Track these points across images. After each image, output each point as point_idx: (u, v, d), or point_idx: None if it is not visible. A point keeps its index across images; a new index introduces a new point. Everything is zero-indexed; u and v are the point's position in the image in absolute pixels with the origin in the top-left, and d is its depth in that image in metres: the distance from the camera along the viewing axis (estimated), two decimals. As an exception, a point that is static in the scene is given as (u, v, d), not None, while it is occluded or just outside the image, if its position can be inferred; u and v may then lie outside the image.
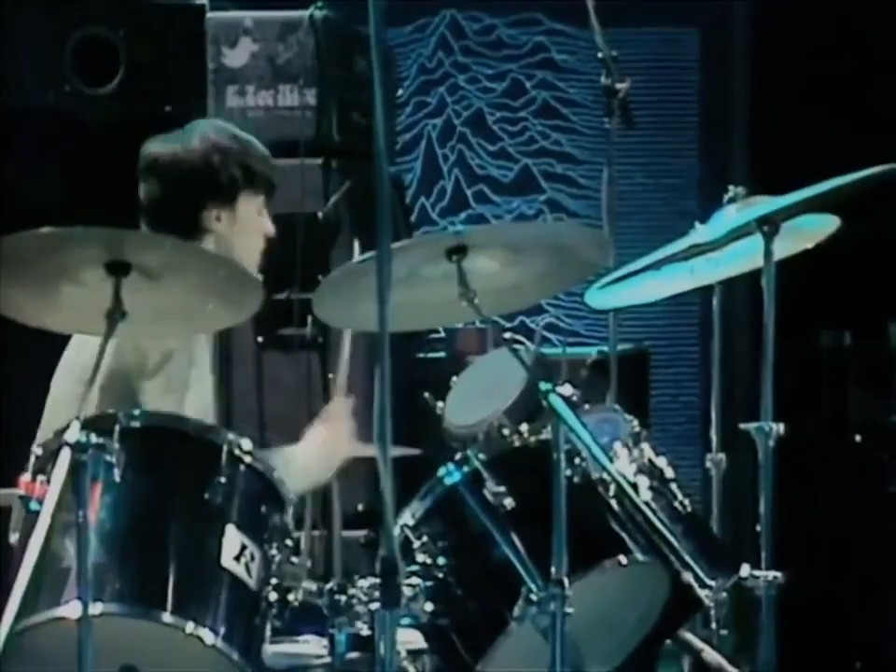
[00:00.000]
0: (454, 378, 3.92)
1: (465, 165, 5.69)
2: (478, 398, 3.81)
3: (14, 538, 2.47)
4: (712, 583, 2.59)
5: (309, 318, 4.02)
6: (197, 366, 2.82)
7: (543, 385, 2.45)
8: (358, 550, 4.01)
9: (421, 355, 4.43)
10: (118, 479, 2.34)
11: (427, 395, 3.87)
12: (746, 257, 3.01)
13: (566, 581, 2.43)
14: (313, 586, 2.57)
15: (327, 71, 4.19)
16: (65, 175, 3.87)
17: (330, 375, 3.20)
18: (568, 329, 5.51)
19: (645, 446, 2.93)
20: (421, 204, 5.61)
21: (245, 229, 2.94)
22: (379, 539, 2.12)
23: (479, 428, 3.77)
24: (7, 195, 3.68)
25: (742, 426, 2.87)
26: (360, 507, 4.10)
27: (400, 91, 5.40)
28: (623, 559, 2.59)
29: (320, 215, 4.15)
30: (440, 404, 3.88)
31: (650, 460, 2.93)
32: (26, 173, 3.83)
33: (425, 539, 2.62)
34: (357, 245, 3.51)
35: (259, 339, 4.20)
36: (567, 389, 2.48)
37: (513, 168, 5.72)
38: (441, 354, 4.45)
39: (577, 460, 2.64)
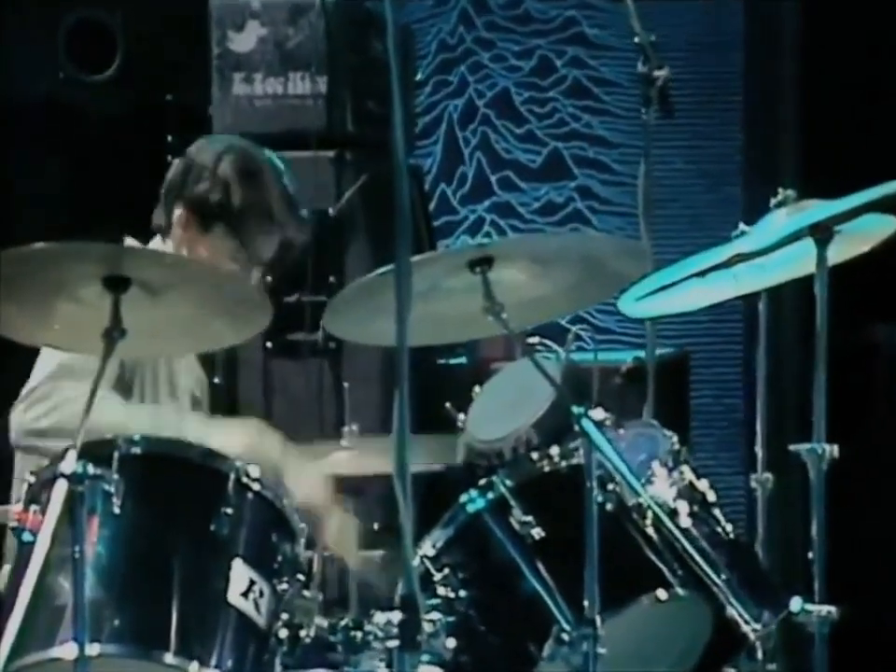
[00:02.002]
0: (477, 388, 3.93)
1: (489, 149, 5.68)
2: (504, 410, 3.81)
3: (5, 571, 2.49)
4: (759, 620, 2.58)
5: (321, 323, 4.03)
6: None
7: (575, 409, 2.45)
8: (374, 571, 4.03)
9: (441, 361, 4.43)
10: (116, 510, 2.36)
11: (447, 405, 3.88)
12: (795, 262, 2.99)
13: (598, 619, 2.44)
14: (325, 622, 2.59)
15: (340, 56, 4.19)
16: (61, 170, 3.89)
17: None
18: (601, 325, 5.50)
19: (685, 468, 2.92)
20: (441, 191, 5.61)
21: (213, 258, 2.89)
22: (396, 559, 2.13)
23: (505, 444, 3.77)
24: (0, 195, 3.70)
25: (792, 447, 2.86)
26: (376, 525, 4.12)
27: (419, 72, 5.39)
28: (661, 594, 2.60)
29: (333, 211, 4.16)
30: (461, 416, 3.89)
31: (690, 483, 2.91)
32: (18, 169, 3.85)
33: (446, 570, 2.64)
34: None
35: (268, 344, 4.21)
36: (599, 413, 2.48)
37: (542, 152, 5.70)
38: (463, 360, 4.45)
39: (610, 486, 2.64)
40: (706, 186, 5.62)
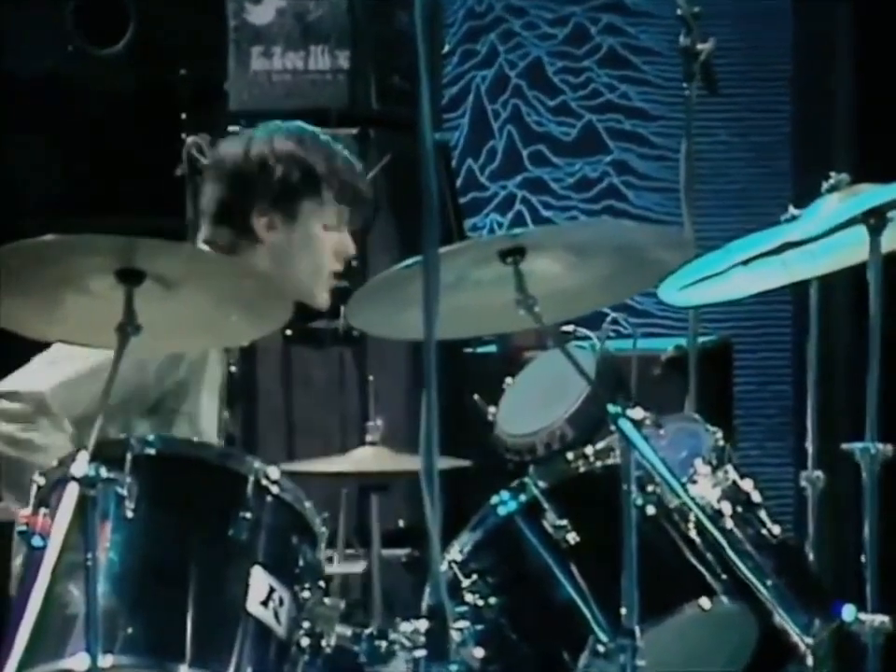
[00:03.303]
0: (508, 379, 3.93)
1: (520, 122, 5.67)
2: (536, 402, 3.81)
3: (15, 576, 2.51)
4: (809, 629, 2.58)
5: (342, 309, 4.04)
6: None
7: (612, 409, 2.45)
8: (400, 571, 4.04)
9: (469, 350, 4.42)
10: (130, 514, 2.38)
11: (476, 398, 3.89)
12: (847, 248, 2.98)
13: (637, 629, 2.44)
14: (348, 631, 2.60)
15: (363, 28, 4.19)
16: (67, 150, 3.89)
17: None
18: (639, 308, 5.49)
19: (729, 468, 2.91)
20: (468, 167, 5.61)
21: (308, 243, 2.92)
22: (422, 558, 2.14)
23: (537, 438, 3.78)
24: (3, 176, 3.71)
25: (844, 446, 2.86)
26: (401, 523, 4.13)
27: (446, 41, 5.37)
28: (705, 603, 2.60)
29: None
30: (491, 409, 3.89)
31: (735, 483, 2.91)
32: (23, 148, 3.86)
33: (475, 577, 2.64)
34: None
35: (287, 332, 4.23)
36: (638, 412, 2.48)
37: (576, 125, 5.69)
38: (493, 349, 4.44)
39: (650, 487, 2.64)
40: (752, 159, 5.60)
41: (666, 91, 5.57)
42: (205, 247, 2.91)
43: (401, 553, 4.08)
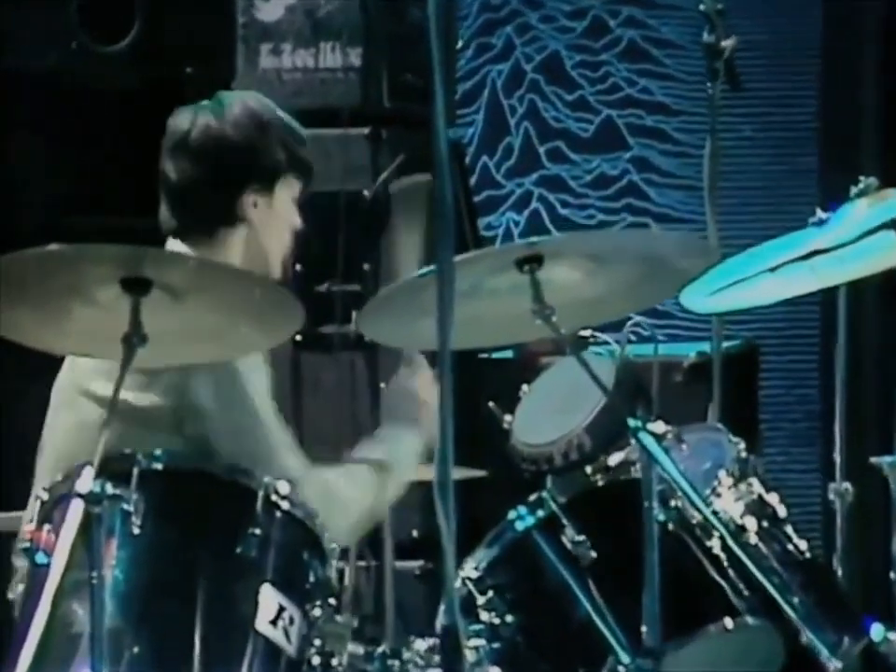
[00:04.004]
0: (524, 386, 3.93)
1: (536, 118, 5.67)
2: (554, 410, 3.81)
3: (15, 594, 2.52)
4: (838, 648, 2.58)
5: (353, 314, 4.05)
6: None
7: (632, 422, 2.46)
8: (413, 583, 4.05)
9: (483, 355, 4.43)
10: (136, 530, 2.39)
11: (491, 405, 3.89)
12: (876, 253, 2.98)
13: (659, 650, 2.45)
14: (360, 649, 2.61)
15: (375, 25, 4.19)
16: (71, 149, 3.90)
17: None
18: (660, 309, 5.48)
19: (754, 481, 2.91)
20: (483, 164, 5.61)
21: (279, 219, 2.93)
22: (436, 570, 2.14)
23: (554, 448, 3.78)
24: (4, 176, 3.72)
25: (873, 460, 2.85)
26: (415, 533, 4.14)
27: (460, 35, 5.38)
28: (729, 623, 2.60)
29: (367, 194, 4.16)
30: (507, 417, 3.89)
31: (760, 496, 2.91)
32: (24, 147, 3.86)
33: (490, 594, 2.65)
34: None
35: (297, 337, 4.23)
36: (659, 426, 2.48)
37: (594, 121, 5.69)
38: (508, 354, 4.45)
39: (672, 502, 2.64)
40: (777, 156, 5.59)
41: (689, 85, 5.56)
42: (180, 243, 2.87)
43: (415, 564, 4.09)
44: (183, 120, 2.92)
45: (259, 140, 2.89)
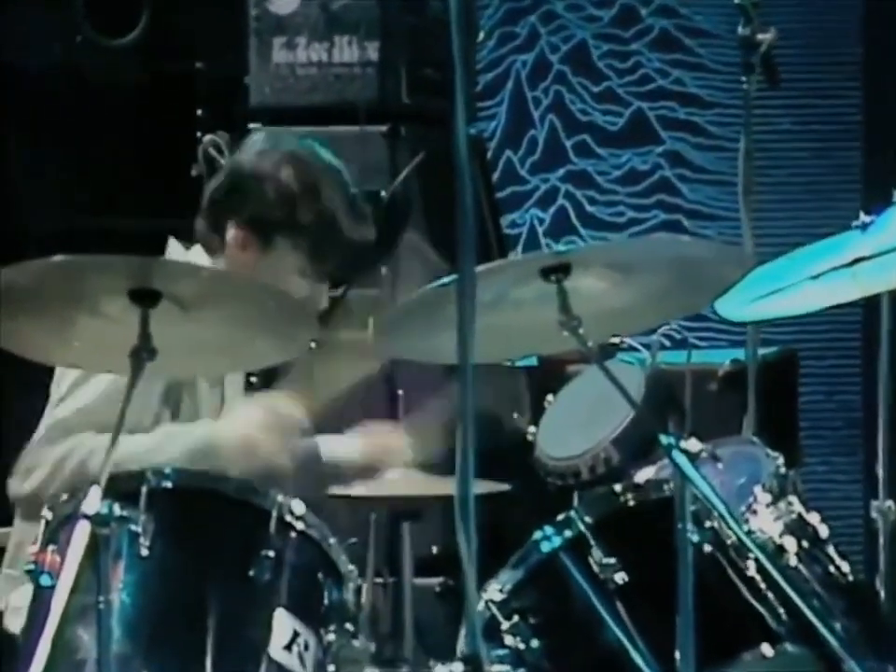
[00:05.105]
0: (549, 396, 3.94)
1: (563, 110, 5.67)
2: (580, 421, 3.81)
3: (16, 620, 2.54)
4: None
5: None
6: None
7: (664, 439, 2.46)
8: (433, 601, 4.06)
9: (507, 363, 4.43)
10: (144, 552, 2.40)
11: (515, 416, 3.90)
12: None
13: (692, 678, 2.45)
14: (378, 675, 2.62)
15: (393, 18, 4.20)
16: (76, 146, 3.91)
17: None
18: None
19: (793, 499, 2.90)
20: (506, 159, 5.62)
21: (274, 280, 2.88)
22: (457, 588, 2.15)
23: (581, 461, 3.78)
24: (7, 174, 3.74)
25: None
26: (435, 550, 4.15)
27: (482, 23, 5.38)
28: (767, 649, 2.59)
29: (385, 194, 4.17)
30: (531, 429, 3.90)
31: (800, 515, 2.90)
32: (29, 143, 3.88)
33: (515, 618, 2.65)
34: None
35: (312, 343, 4.24)
36: (694, 444, 2.48)
37: (624, 113, 5.69)
38: (533, 362, 4.46)
39: (707, 523, 2.64)
40: (817, 150, 5.58)
41: (724, 76, 5.56)
42: (200, 250, 2.93)
43: (435, 581, 4.10)
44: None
45: (253, 177, 2.93)
